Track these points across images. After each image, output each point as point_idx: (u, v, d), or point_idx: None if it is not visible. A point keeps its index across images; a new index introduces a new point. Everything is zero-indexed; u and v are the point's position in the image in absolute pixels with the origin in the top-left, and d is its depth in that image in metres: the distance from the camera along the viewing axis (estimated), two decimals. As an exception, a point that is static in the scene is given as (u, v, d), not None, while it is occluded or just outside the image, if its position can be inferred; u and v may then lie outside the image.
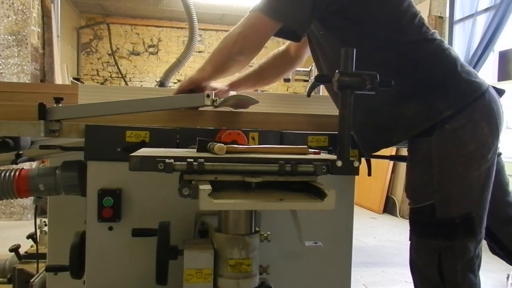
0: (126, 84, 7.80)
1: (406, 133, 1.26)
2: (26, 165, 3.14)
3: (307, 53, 1.65)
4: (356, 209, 2.13)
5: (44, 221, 2.25)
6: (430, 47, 1.28)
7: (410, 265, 1.30)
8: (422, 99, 1.23)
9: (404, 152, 1.39)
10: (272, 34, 1.34)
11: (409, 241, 1.29)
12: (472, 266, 1.21)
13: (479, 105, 1.22)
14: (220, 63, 1.37)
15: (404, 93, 1.23)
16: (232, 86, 1.61)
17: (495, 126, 1.24)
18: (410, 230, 1.28)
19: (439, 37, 1.31)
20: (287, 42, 1.66)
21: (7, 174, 1.27)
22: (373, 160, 1.58)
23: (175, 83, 8.40)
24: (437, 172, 1.21)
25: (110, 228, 1.21)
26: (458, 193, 1.20)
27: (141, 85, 8.15)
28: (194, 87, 1.38)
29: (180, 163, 0.85)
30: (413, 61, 1.26)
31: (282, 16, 1.29)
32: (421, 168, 1.25)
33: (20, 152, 1.37)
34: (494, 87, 1.30)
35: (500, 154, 1.35)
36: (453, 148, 1.20)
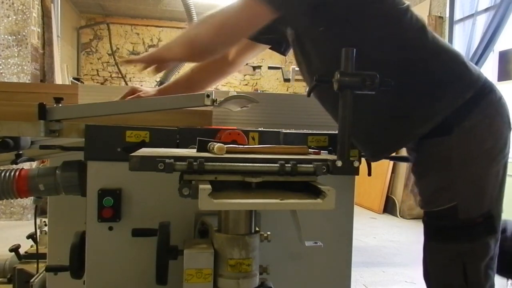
0: (126, 84, 7.78)
1: (427, 125, 1.18)
2: (26, 165, 3.14)
3: (246, 61, 1.55)
4: (356, 209, 2.13)
5: (44, 221, 2.25)
6: (433, 42, 1.23)
7: (425, 274, 1.24)
8: (441, 89, 1.18)
9: (403, 152, 1.39)
10: (263, 24, 1.17)
11: (423, 249, 1.23)
12: (492, 264, 1.19)
13: (491, 100, 1.19)
14: (198, 52, 1.23)
15: (418, 89, 1.19)
16: (161, 93, 1.49)
17: (507, 120, 1.21)
18: (426, 236, 1.22)
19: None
20: None
21: (7, 174, 1.27)
22: (373, 160, 1.58)
23: (175, 83, 8.41)
24: (459, 172, 1.16)
25: (110, 228, 1.21)
26: (480, 192, 1.17)
27: (141, 85, 8.13)
28: (159, 65, 1.25)
29: (180, 163, 0.85)
30: (419, 55, 1.21)
31: (281, 2, 1.13)
32: (439, 169, 1.20)
33: (20, 152, 1.37)
34: None
35: None
36: (474, 146, 1.16)
